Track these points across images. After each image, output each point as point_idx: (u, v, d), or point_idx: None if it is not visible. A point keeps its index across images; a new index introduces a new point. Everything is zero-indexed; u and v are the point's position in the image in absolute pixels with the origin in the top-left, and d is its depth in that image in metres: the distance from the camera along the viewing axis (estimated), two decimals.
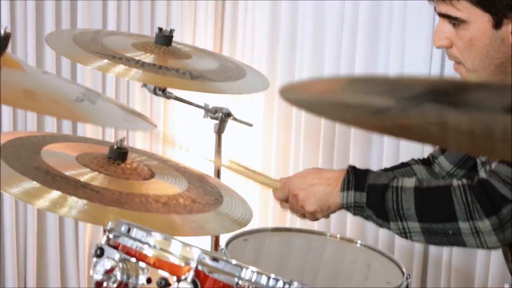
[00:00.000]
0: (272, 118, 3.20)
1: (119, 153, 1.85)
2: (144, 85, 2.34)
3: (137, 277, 1.33)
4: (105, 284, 1.33)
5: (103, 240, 1.40)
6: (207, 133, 2.56)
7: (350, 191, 1.74)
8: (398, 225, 1.69)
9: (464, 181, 1.67)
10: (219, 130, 2.42)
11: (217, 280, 1.31)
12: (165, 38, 2.14)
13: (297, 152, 3.14)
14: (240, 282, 1.30)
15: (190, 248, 1.33)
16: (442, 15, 1.77)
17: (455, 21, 1.74)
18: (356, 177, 1.74)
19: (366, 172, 1.76)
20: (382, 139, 2.92)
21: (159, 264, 1.34)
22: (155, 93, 2.32)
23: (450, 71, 1.98)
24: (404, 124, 0.88)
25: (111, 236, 1.41)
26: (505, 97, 0.71)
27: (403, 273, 1.98)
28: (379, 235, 2.95)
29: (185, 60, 2.14)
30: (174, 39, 2.19)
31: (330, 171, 1.86)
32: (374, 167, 2.02)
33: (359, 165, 1.82)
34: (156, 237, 1.37)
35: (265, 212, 3.22)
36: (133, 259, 1.35)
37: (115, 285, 1.32)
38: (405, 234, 1.70)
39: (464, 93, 0.72)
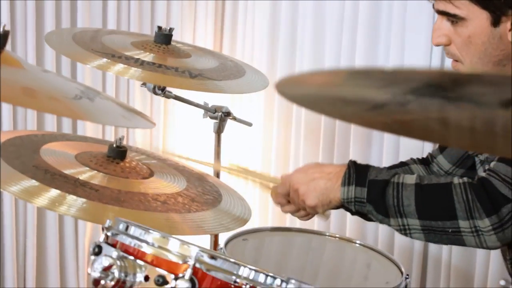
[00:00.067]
0: (272, 117, 3.21)
1: (118, 152, 1.85)
2: (144, 84, 2.34)
3: (134, 275, 1.33)
4: (102, 281, 1.32)
5: (101, 238, 1.40)
6: (206, 132, 2.56)
7: (351, 186, 1.73)
8: (398, 221, 1.69)
9: (465, 179, 1.67)
10: (219, 130, 2.42)
11: (215, 278, 1.31)
12: (164, 37, 2.14)
13: (297, 151, 3.14)
14: (238, 280, 1.30)
15: (188, 246, 1.33)
16: (441, 13, 1.77)
17: (454, 19, 1.74)
18: (357, 172, 1.74)
19: (367, 167, 1.76)
20: (382, 138, 2.92)
21: (157, 262, 1.34)
22: (155, 92, 2.32)
23: None
24: (404, 120, 0.87)
25: (109, 234, 1.41)
26: (505, 90, 0.71)
27: (402, 273, 1.97)
28: (379, 235, 2.95)
29: (184, 59, 2.14)
30: (174, 38, 2.19)
31: (331, 165, 1.85)
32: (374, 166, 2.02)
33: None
34: (154, 235, 1.37)
35: (265, 211, 3.23)
36: (131, 257, 1.35)
37: (112, 282, 1.32)
38: (404, 231, 1.70)
39: (464, 86, 0.72)
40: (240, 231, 2.10)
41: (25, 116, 2.93)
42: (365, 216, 1.82)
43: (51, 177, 1.69)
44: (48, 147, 1.88)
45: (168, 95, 2.37)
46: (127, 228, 1.40)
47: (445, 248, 2.83)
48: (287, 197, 1.87)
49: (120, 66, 1.98)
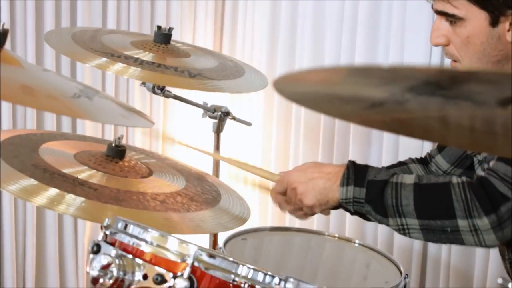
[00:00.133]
0: (272, 117, 3.21)
1: (117, 151, 1.85)
2: (143, 83, 2.34)
3: (133, 273, 1.33)
4: (101, 280, 1.32)
5: (100, 236, 1.41)
6: (206, 132, 2.56)
7: (350, 186, 1.73)
8: (397, 221, 1.69)
9: (464, 178, 1.67)
10: (218, 129, 2.43)
11: (213, 277, 1.31)
12: (164, 36, 2.14)
13: (296, 150, 3.15)
14: (236, 279, 1.31)
15: (187, 244, 1.33)
16: (439, 13, 1.77)
17: (452, 19, 1.75)
18: (356, 173, 1.74)
19: (366, 167, 1.76)
20: (381, 138, 2.92)
21: (155, 260, 1.34)
22: (154, 92, 2.32)
23: None
24: (402, 119, 0.87)
25: (108, 232, 1.41)
26: (502, 88, 0.70)
27: (401, 272, 1.97)
28: (378, 235, 2.95)
29: (183, 58, 2.14)
30: (173, 38, 2.19)
31: (330, 165, 1.85)
32: (373, 165, 2.02)
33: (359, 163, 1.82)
34: (152, 234, 1.37)
35: (265, 211, 3.23)
36: (130, 256, 1.35)
37: (111, 281, 1.32)
38: (403, 230, 1.69)
39: (461, 84, 0.72)
40: (239, 231, 2.10)
41: (24, 115, 2.93)
42: (364, 216, 1.82)
43: (50, 176, 1.69)
44: (47, 146, 1.88)
45: (167, 95, 2.36)
46: (125, 226, 1.41)
47: (444, 248, 2.83)
48: (284, 195, 1.87)
49: (119, 66, 1.97)
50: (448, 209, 1.64)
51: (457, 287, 2.80)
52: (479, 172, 1.86)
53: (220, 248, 2.00)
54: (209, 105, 2.42)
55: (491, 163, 1.69)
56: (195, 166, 2.14)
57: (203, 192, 1.89)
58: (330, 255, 2.21)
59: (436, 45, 1.82)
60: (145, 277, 1.33)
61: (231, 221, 1.82)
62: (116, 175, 1.80)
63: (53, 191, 1.63)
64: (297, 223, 2.69)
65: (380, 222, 1.74)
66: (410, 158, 2.14)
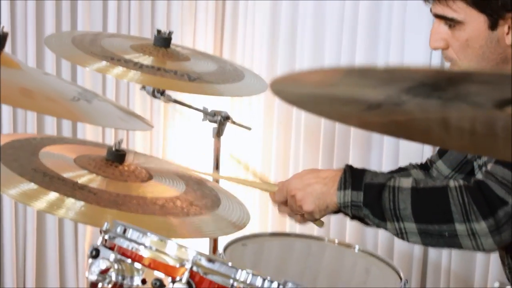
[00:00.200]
0: (272, 121, 3.21)
1: (117, 155, 1.85)
2: (143, 87, 2.34)
3: (132, 278, 1.33)
4: (100, 284, 1.32)
5: (98, 241, 1.40)
6: (206, 136, 2.56)
7: (347, 190, 1.73)
8: (395, 225, 1.69)
9: (461, 182, 1.66)
10: (218, 133, 2.42)
11: (212, 282, 1.30)
12: (163, 40, 2.14)
13: (296, 155, 3.14)
14: (235, 284, 1.30)
15: (186, 249, 1.33)
16: (438, 16, 1.78)
17: (451, 22, 1.75)
18: (353, 176, 1.74)
19: (363, 171, 1.75)
20: (381, 142, 2.92)
21: (154, 265, 1.34)
22: (154, 96, 2.32)
23: None
24: (400, 121, 0.87)
25: (106, 237, 1.40)
26: (499, 89, 0.70)
27: (400, 278, 1.97)
28: (378, 240, 2.94)
29: (183, 62, 2.14)
30: (174, 41, 2.19)
31: (326, 170, 1.85)
32: (374, 170, 2.02)
33: (359, 167, 1.81)
34: (151, 238, 1.37)
35: (265, 216, 3.22)
36: (129, 260, 1.35)
37: (110, 285, 1.31)
38: (401, 234, 1.69)
39: (457, 85, 0.71)
40: (239, 236, 2.10)
41: (25, 119, 2.93)
42: (363, 221, 1.81)
43: (49, 180, 1.69)
44: (47, 150, 1.88)
45: (167, 99, 2.36)
46: (124, 231, 1.40)
47: (444, 253, 2.82)
48: (285, 204, 1.87)
49: (119, 69, 1.97)
50: (445, 213, 1.63)
51: None
52: (479, 177, 1.85)
53: (220, 253, 1.99)
54: (209, 110, 2.41)
55: (489, 166, 1.68)
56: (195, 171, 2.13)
57: (202, 196, 1.89)
58: (330, 261, 2.21)
59: (435, 49, 1.82)
60: (143, 281, 1.33)
61: (230, 226, 1.82)
62: (116, 179, 1.80)
63: (52, 195, 1.62)
64: (297, 228, 2.69)
65: (378, 226, 1.73)
66: (410, 164, 2.14)
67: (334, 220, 2.98)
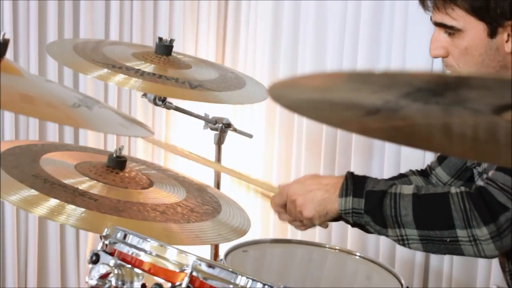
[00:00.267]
0: (274, 128, 3.21)
1: (118, 162, 1.85)
2: (144, 94, 2.34)
3: (131, 283, 1.33)
4: None
5: (99, 246, 1.41)
6: (207, 143, 2.56)
7: (349, 197, 1.73)
8: (396, 232, 1.69)
9: (462, 188, 1.66)
10: (219, 141, 2.42)
11: (212, 287, 1.30)
12: (165, 48, 2.15)
13: (298, 162, 3.14)
14: None
15: (186, 254, 1.33)
16: (438, 25, 1.78)
17: (451, 30, 1.75)
18: (354, 183, 1.74)
19: (365, 178, 1.76)
20: (383, 150, 2.92)
21: (154, 270, 1.34)
22: (155, 103, 2.32)
23: None
24: (401, 127, 0.87)
25: (107, 242, 1.41)
26: (496, 94, 0.70)
27: (402, 285, 1.97)
28: (380, 247, 2.94)
29: (184, 70, 2.15)
30: (176, 49, 2.20)
31: (328, 177, 1.86)
32: (375, 177, 2.02)
33: (360, 174, 1.81)
34: (152, 244, 1.37)
35: (266, 223, 3.22)
36: (129, 266, 1.35)
37: None
38: (402, 241, 1.69)
39: (454, 90, 0.72)
40: (240, 243, 2.09)
41: (27, 126, 2.94)
42: (364, 228, 1.81)
43: (50, 186, 1.69)
44: (48, 156, 1.88)
45: (168, 106, 2.37)
46: (125, 236, 1.41)
47: (446, 261, 2.82)
48: (284, 207, 1.87)
49: (120, 77, 1.98)
50: (447, 219, 1.64)
51: None
52: (479, 183, 1.86)
53: (221, 260, 1.99)
54: (210, 117, 2.42)
55: (490, 173, 1.69)
56: (196, 178, 2.13)
57: (203, 203, 1.89)
58: (332, 268, 2.21)
59: (435, 57, 1.83)
60: (143, 286, 1.33)
61: (231, 232, 1.82)
62: (116, 186, 1.80)
63: (53, 202, 1.63)
64: (299, 235, 2.69)
65: (379, 233, 1.73)
66: (410, 170, 2.14)
67: (335, 227, 2.98)
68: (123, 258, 1.37)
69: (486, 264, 2.69)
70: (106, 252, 1.39)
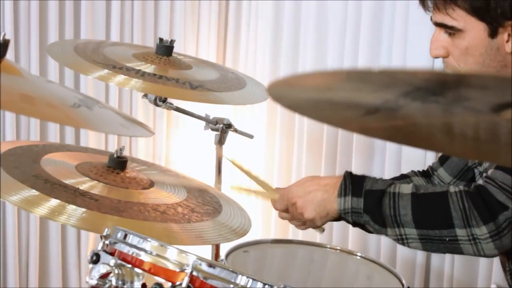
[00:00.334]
0: (275, 129, 3.21)
1: (119, 162, 1.86)
2: (145, 95, 2.35)
3: (132, 282, 1.33)
4: None
5: (99, 246, 1.41)
6: (208, 144, 2.56)
7: (348, 196, 1.73)
8: (395, 231, 1.69)
9: (461, 187, 1.67)
10: (220, 141, 2.42)
11: (212, 286, 1.30)
12: (165, 49, 2.15)
13: (299, 163, 3.15)
14: None
15: (186, 254, 1.33)
16: (438, 25, 1.78)
17: (451, 31, 1.75)
18: (353, 183, 1.74)
19: (363, 177, 1.76)
20: (384, 150, 2.92)
21: (154, 270, 1.34)
22: (156, 104, 2.32)
23: None
24: (401, 126, 0.87)
25: (107, 242, 1.41)
26: (494, 93, 0.70)
27: (402, 285, 1.97)
28: (381, 247, 2.94)
29: (185, 70, 2.15)
30: (177, 50, 2.20)
31: (327, 177, 1.86)
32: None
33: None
34: (152, 243, 1.37)
35: (268, 223, 3.22)
36: (129, 265, 1.35)
37: None
38: (402, 240, 1.69)
39: (454, 89, 0.71)
40: (241, 243, 2.09)
41: (28, 127, 2.94)
42: (364, 228, 1.82)
43: (51, 186, 1.69)
44: (49, 157, 1.88)
45: (169, 107, 2.37)
46: (125, 236, 1.41)
47: (447, 260, 2.82)
48: (287, 212, 1.88)
49: (121, 77, 1.98)
50: (446, 218, 1.64)
51: None
52: (479, 181, 1.86)
53: (222, 260, 1.99)
54: (211, 117, 2.42)
55: (489, 172, 1.69)
56: (197, 178, 2.14)
57: (204, 203, 1.89)
58: (333, 268, 2.21)
59: (436, 57, 1.83)
60: (143, 286, 1.33)
61: (232, 232, 1.82)
62: (117, 186, 1.80)
63: (54, 202, 1.63)
64: (300, 235, 2.69)
65: (378, 232, 1.74)
66: (412, 171, 2.14)
67: (336, 227, 2.98)
68: (124, 258, 1.37)
69: (487, 264, 2.69)
70: (107, 252, 1.39)
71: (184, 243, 1.71)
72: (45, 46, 2.84)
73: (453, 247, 1.65)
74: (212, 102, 2.12)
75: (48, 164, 1.82)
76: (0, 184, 1.61)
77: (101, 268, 1.33)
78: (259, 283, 1.31)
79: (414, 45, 2.82)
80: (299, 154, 3.15)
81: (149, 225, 1.67)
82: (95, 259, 1.38)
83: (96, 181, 1.78)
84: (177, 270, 1.31)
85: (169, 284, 1.30)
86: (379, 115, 0.84)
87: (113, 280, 1.32)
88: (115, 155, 1.86)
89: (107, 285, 1.32)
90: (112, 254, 1.38)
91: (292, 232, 3.03)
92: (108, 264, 1.34)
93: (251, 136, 2.56)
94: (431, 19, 1.81)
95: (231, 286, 1.30)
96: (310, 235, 2.33)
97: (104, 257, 1.37)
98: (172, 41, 2.17)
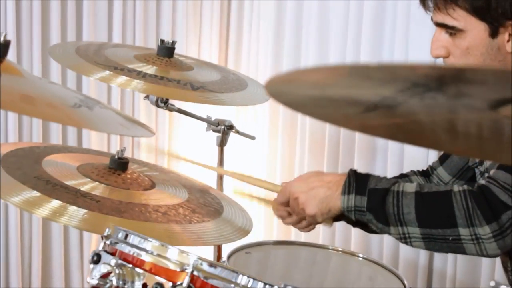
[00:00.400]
0: (277, 130, 3.21)
1: (120, 163, 1.86)
2: (147, 96, 2.35)
3: (133, 282, 1.33)
4: None
5: (100, 246, 1.41)
6: (210, 145, 2.56)
7: (351, 194, 1.73)
8: (398, 230, 1.68)
9: (465, 186, 1.66)
10: (222, 143, 2.42)
11: (213, 286, 1.30)
12: (167, 50, 2.15)
13: (302, 163, 3.15)
14: None
15: (187, 254, 1.33)
16: (439, 25, 1.78)
17: (452, 31, 1.75)
18: (357, 181, 1.74)
19: (367, 176, 1.75)
20: (386, 150, 2.92)
21: (155, 270, 1.34)
22: (157, 105, 2.32)
23: None
24: (402, 124, 0.86)
25: (108, 242, 1.41)
26: (492, 89, 0.70)
27: (405, 286, 1.96)
28: (384, 248, 2.94)
29: (186, 71, 2.15)
30: (179, 51, 2.21)
31: (330, 174, 1.85)
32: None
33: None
34: (153, 243, 1.37)
35: (270, 225, 3.22)
36: (130, 265, 1.35)
37: None
38: (405, 239, 1.69)
39: (452, 85, 0.71)
40: (243, 245, 2.09)
41: (30, 128, 2.95)
42: (366, 228, 1.81)
43: (52, 187, 1.70)
44: (50, 158, 1.89)
45: (171, 108, 2.37)
46: (126, 236, 1.41)
47: (449, 262, 2.82)
48: (287, 205, 1.86)
49: (122, 78, 1.98)
50: (449, 217, 1.63)
51: None
52: (481, 181, 1.85)
53: (224, 261, 1.99)
54: (212, 119, 2.42)
55: (491, 172, 1.68)
56: (199, 180, 2.14)
57: (205, 204, 1.89)
58: (335, 269, 2.21)
59: (437, 57, 1.83)
60: (144, 286, 1.33)
61: (233, 233, 1.82)
62: (118, 187, 1.80)
63: (55, 203, 1.63)
64: (302, 237, 2.69)
65: (381, 231, 1.73)
66: (412, 171, 2.14)
67: (339, 228, 2.98)
68: (124, 257, 1.37)
69: (489, 265, 2.69)
70: (107, 252, 1.39)
71: (186, 244, 1.71)
72: (47, 48, 2.84)
73: (456, 247, 1.65)
74: (213, 103, 2.12)
75: (50, 166, 1.82)
76: (0, 185, 1.61)
77: (102, 268, 1.33)
78: (259, 283, 1.31)
79: (415, 45, 2.82)
80: (301, 155, 3.15)
81: (150, 226, 1.67)
82: (96, 259, 1.38)
83: (97, 182, 1.79)
84: (178, 270, 1.32)
85: (170, 284, 1.31)
86: (378, 112, 0.83)
87: (114, 280, 1.32)
88: (116, 156, 1.86)
89: (108, 285, 1.32)
90: (113, 254, 1.38)
91: (294, 233, 3.03)
92: (109, 264, 1.34)
93: (253, 138, 2.56)
94: (431, 19, 1.81)
95: (232, 286, 1.30)
96: (313, 236, 2.33)
97: (105, 257, 1.37)
98: (173, 43, 2.18)
